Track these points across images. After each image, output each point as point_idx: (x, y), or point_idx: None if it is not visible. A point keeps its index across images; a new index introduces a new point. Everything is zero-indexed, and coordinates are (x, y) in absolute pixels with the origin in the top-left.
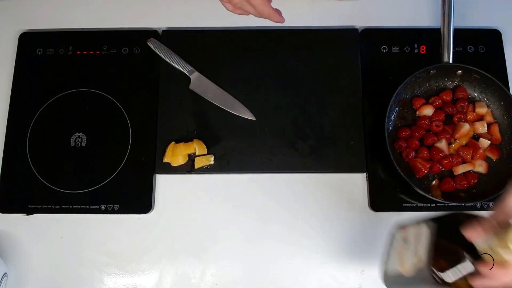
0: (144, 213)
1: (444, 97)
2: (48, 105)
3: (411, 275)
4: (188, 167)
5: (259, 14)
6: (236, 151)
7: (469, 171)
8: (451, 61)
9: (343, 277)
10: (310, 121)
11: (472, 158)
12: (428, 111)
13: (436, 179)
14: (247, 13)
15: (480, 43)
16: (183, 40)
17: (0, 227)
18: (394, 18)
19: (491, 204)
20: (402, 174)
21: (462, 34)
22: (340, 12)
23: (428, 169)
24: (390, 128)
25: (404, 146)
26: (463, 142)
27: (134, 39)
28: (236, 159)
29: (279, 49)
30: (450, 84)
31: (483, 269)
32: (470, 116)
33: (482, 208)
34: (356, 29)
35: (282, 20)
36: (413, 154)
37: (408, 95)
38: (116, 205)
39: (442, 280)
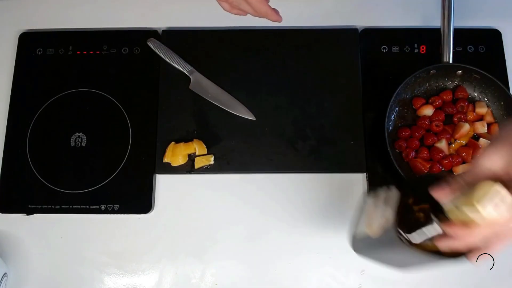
0: (144, 213)
1: (444, 97)
2: (48, 105)
3: (378, 237)
4: (188, 167)
5: (256, 13)
6: (236, 151)
7: None
8: (451, 61)
9: (343, 277)
10: (310, 121)
11: (472, 158)
12: (428, 111)
13: None
14: (244, 13)
15: (480, 43)
16: (183, 40)
17: (0, 227)
18: (394, 18)
19: None
20: (402, 174)
21: (462, 34)
22: (340, 12)
23: (428, 169)
24: (390, 128)
25: (404, 146)
26: (463, 142)
27: (134, 39)
28: (236, 159)
29: (279, 49)
30: (450, 84)
31: (448, 229)
32: (470, 116)
33: None
34: (356, 29)
35: (280, 19)
36: (413, 154)
37: (408, 95)
38: (116, 205)
39: (408, 241)
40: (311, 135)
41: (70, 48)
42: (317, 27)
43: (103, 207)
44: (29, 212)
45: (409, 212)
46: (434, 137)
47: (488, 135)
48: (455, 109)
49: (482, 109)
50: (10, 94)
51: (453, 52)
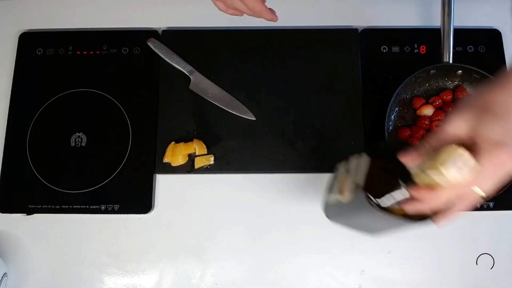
0: (144, 213)
1: (444, 97)
2: (48, 105)
3: (349, 202)
4: (188, 167)
5: (251, 12)
6: (236, 151)
7: None
8: (451, 61)
9: (343, 277)
10: (310, 121)
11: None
12: (428, 111)
13: None
14: (240, 12)
15: (480, 43)
16: (183, 40)
17: (0, 227)
18: (394, 18)
19: (491, 204)
20: None
21: (462, 34)
22: (340, 12)
23: None
24: (390, 128)
25: None
26: None
27: (134, 39)
28: (236, 159)
29: (279, 49)
30: (450, 84)
31: (414, 192)
32: None
33: (482, 208)
34: (356, 29)
35: (275, 19)
36: None
37: (408, 95)
38: (116, 205)
39: (378, 205)
40: (311, 135)
41: (70, 48)
42: (317, 27)
43: (103, 207)
44: (29, 212)
45: (378, 178)
46: None
47: None
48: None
49: None
50: (10, 94)
51: (453, 52)
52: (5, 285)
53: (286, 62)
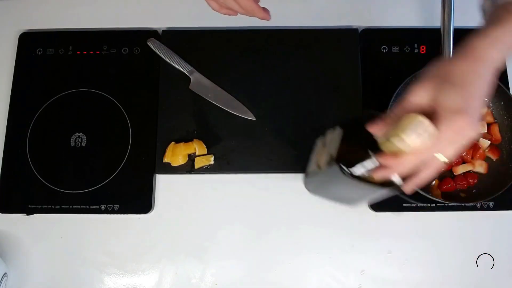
0: (144, 213)
1: None
2: (48, 105)
3: (325, 174)
4: (188, 167)
5: (244, 11)
6: (236, 151)
7: (469, 171)
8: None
9: (343, 277)
10: (310, 121)
11: (472, 158)
12: None
13: (436, 179)
14: (233, 12)
15: None
16: (183, 40)
17: (0, 227)
18: (394, 18)
19: (491, 204)
20: None
21: (462, 34)
22: (340, 12)
23: None
24: None
25: None
26: None
27: (134, 39)
28: (236, 159)
29: (279, 49)
30: None
31: (382, 160)
32: None
33: (482, 208)
34: (356, 29)
35: (268, 17)
36: None
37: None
38: (116, 205)
39: (350, 174)
40: (311, 135)
41: (70, 48)
42: (317, 27)
43: (103, 207)
44: (29, 212)
45: (350, 148)
46: None
47: (488, 135)
48: None
49: (482, 109)
50: (10, 94)
51: (453, 52)
52: (5, 285)
53: (286, 62)
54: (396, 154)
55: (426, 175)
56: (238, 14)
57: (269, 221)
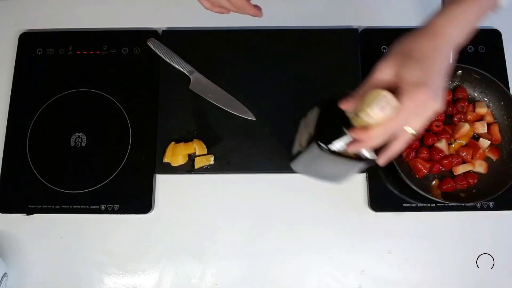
0: (144, 213)
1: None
2: (48, 105)
3: (307, 152)
4: (188, 167)
5: (235, 8)
6: (236, 151)
7: (469, 171)
8: (451, 61)
9: (343, 277)
10: None
11: (472, 158)
12: None
13: (436, 179)
14: (226, 10)
15: (480, 43)
16: (183, 40)
17: (0, 227)
18: (394, 18)
19: (491, 204)
20: (402, 174)
21: None
22: (340, 12)
23: (428, 169)
24: None
25: None
26: (463, 142)
27: (134, 39)
28: (236, 159)
29: (279, 49)
30: (450, 84)
31: (353, 134)
32: (470, 116)
33: (482, 208)
34: (356, 29)
35: (260, 14)
36: (413, 154)
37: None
38: (116, 205)
39: (328, 150)
40: None
41: (70, 48)
42: (317, 27)
43: (103, 207)
44: (29, 212)
45: (326, 126)
46: (434, 137)
47: (488, 135)
48: (455, 109)
49: (482, 109)
50: (10, 94)
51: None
52: (5, 285)
53: (286, 62)
54: (365, 128)
55: (397, 147)
56: (231, 12)
57: (269, 221)
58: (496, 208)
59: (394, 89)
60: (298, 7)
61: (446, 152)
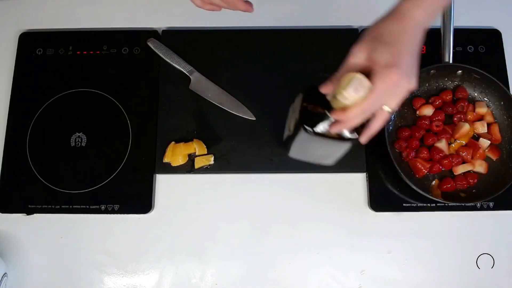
0: (144, 213)
1: (444, 97)
2: (48, 105)
3: (293, 134)
4: (188, 167)
5: (226, 4)
6: (236, 151)
7: (469, 171)
8: (451, 61)
9: (343, 277)
10: None
11: (472, 158)
12: (428, 111)
13: (436, 179)
14: (217, 7)
15: (480, 43)
16: (183, 40)
17: (0, 227)
18: None
19: (491, 204)
20: (402, 174)
21: (462, 34)
22: (340, 12)
23: (428, 169)
24: (390, 128)
25: (404, 146)
26: (463, 142)
27: (134, 39)
28: (236, 159)
29: (279, 49)
30: (450, 84)
31: (333, 115)
32: (470, 116)
33: (482, 208)
34: (356, 29)
35: (251, 9)
36: (413, 154)
37: (408, 95)
38: (116, 205)
39: (313, 132)
40: None
41: (70, 48)
42: (317, 27)
43: (103, 207)
44: (29, 212)
45: (309, 110)
46: (434, 137)
47: (488, 135)
48: (455, 109)
49: (482, 109)
50: (10, 94)
51: (453, 52)
52: (5, 285)
53: (286, 62)
54: (344, 109)
55: (376, 125)
56: (228, 11)
57: (269, 221)
58: (496, 208)
59: (368, 72)
60: (298, 7)
61: (446, 152)
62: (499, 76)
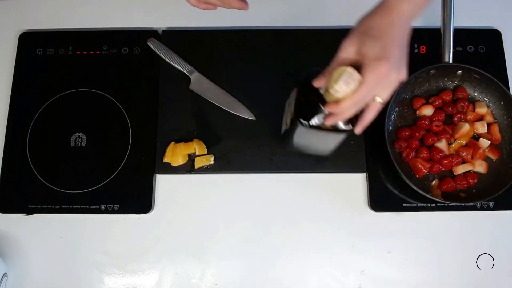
0: (144, 213)
1: (444, 97)
2: (48, 105)
3: (290, 128)
4: (188, 167)
5: (221, 3)
6: (236, 151)
7: (469, 171)
8: (451, 61)
9: (343, 277)
10: None
11: (472, 158)
12: (428, 111)
13: (436, 179)
14: (212, 6)
15: (480, 43)
16: (183, 40)
17: (0, 227)
18: None
19: (491, 204)
20: (402, 174)
21: (462, 34)
22: (340, 12)
23: (428, 169)
24: (390, 128)
25: (404, 146)
26: (463, 142)
27: (134, 39)
28: (236, 159)
29: (279, 49)
30: (450, 84)
31: (327, 108)
32: (470, 116)
33: (482, 208)
34: None
35: (245, 7)
36: (413, 154)
37: (408, 95)
38: (116, 205)
39: (309, 125)
40: None
41: (70, 48)
42: (317, 27)
43: (103, 207)
44: (29, 212)
45: (304, 104)
46: (434, 137)
47: (488, 135)
48: (455, 109)
49: (482, 109)
50: (10, 94)
51: (453, 52)
52: (5, 285)
53: (286, 62)
54: (337, 102)
55: (369, 116)
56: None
57: (269, 221)
58: (496, 208)
59: (359, 65)
60: (298, 7)
61: (446, 152)
62: (499, 76)
